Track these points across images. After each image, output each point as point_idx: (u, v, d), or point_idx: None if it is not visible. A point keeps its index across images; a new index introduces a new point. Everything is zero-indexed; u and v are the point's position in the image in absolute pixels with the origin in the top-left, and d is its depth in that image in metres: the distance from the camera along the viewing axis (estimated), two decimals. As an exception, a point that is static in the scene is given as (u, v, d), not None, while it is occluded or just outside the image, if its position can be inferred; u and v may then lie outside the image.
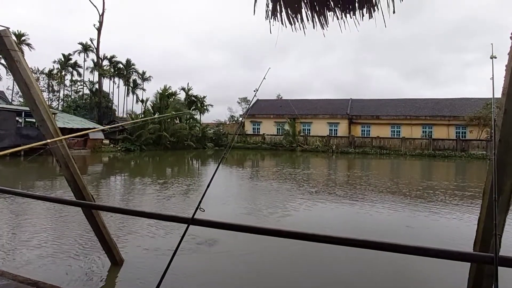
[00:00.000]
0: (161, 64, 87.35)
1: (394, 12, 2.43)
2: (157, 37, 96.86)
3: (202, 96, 46.03)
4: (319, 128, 42.56)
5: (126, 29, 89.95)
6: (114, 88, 58.09)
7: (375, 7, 2.55)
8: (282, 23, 2.75)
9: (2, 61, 27.89)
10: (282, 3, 2.71)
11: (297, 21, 2.74)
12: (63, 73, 51.10)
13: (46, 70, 49.23)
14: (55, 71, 49.77)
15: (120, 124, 27.40)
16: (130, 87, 58.31)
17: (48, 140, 3.35)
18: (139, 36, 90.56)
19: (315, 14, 2.70)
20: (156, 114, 36.70)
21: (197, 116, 45.73)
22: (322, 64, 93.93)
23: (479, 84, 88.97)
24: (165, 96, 37.83)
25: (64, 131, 26.36)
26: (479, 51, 78.11)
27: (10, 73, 4.16)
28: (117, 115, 51.66)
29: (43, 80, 48.71)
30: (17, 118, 25.76)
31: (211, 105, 47.95)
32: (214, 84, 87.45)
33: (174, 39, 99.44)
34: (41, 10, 79.60)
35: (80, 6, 78.85)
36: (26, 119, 27.32)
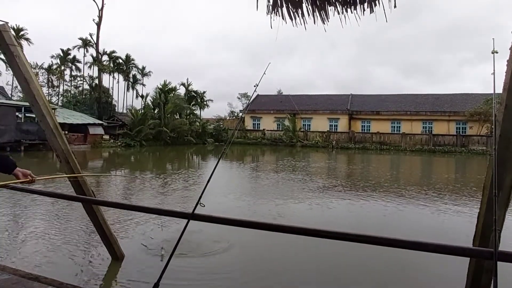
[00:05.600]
0: (168, 62, 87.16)
1: (395, 6, 2.40)
2: (166, 35, 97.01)
3: (201, 92, 45.98)
4: (319, 123, 42.50)
5: (132, 28, 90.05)
6: (114, 83, 57.96)
7: (376, 2, 2.52)
8: (283, 18, 2.72)
9: (2, 56, 27.74)
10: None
11: (298, 16, 2.72)
12: (63, 68, 50.86)
13: (46, 65, 49.05)
14: (54, 66, 49.52)
15: None
16: (130, 82, 58.07)
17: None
18: (147, 35, 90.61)
19: (315, 9, 2.68)
20: (156, 110, 36.62)
21: (197, 112, 45.65)
22: (325, 62, 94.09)
23: (475, 81, 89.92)
24: (164, 91, 37.68)
25: (64, 126, 26.34)
26: (474, 49, 78.89)
27: (9, 68, 4.13)
28: (117, 110, 51.45)
29: (42, 75, 48.42)
30: (17, 113, 25.68)
31: (211, 100, 47.99)
32: (217, 80, 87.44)
33: (181, 38, 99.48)
34: (41, 6, 79.28)
35: (82, 1, 78.45)
36: (26, 114, 27.24)
